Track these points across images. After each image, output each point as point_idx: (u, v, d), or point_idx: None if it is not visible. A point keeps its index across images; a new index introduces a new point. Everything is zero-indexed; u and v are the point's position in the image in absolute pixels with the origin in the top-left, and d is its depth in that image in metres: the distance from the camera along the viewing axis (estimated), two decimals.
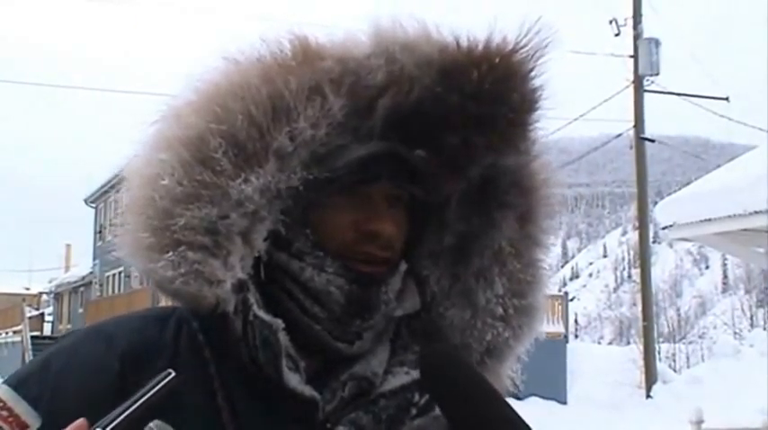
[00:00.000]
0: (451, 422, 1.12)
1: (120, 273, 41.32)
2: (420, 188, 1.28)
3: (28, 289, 62.40)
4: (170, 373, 1.07)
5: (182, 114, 1.19)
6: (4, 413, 1.14)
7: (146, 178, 1.17)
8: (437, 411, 1.22)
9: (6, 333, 41.30)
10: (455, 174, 1.28)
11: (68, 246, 61.01)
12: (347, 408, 1.22)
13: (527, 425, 1.12)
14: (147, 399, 1.05)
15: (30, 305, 49.92)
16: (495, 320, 1.31)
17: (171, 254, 1.13)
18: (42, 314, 49.59)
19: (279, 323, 1.18)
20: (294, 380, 1.18)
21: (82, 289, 48.35)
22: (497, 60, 1.20)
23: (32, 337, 35.85)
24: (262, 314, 1.18)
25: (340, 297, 1.22)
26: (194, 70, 1.23)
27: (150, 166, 1.17)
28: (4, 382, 1.21)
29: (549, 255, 1.38)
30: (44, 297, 60.20)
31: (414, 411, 1.25)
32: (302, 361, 1.20)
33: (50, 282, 57.30)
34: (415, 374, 1.25)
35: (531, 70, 1.22)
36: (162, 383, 1.06)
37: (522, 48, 1.21)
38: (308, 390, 1.19)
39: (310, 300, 1.23)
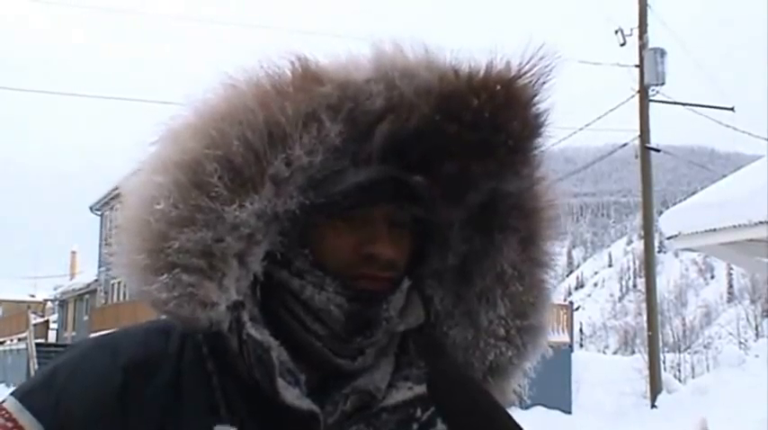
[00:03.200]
0: None
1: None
2: (422, 210, 1.27)
3: (33, 296, 62.49)
4: None
5: (179, 137, 1.19)
6: (9, 424, 1.16)
7: (142, 199, 1.17)
8: (438, 427, 1.24)
9: (11, 340, 41.36)
10: (453, 201, 1.28)
11: (74, 253, 61.01)
12: (348, 422, 1.22)
13: None
14: None
15: (35, 312, 49.97)
16: (497, 340, 1.31)
17: (165, 276, 1.13)
18: (47, 321, 49.54)
19: (271, 341, 1.18)
20: (291, 395, 1.18)
21: (87, 296, 48.31)
22: (498, 88, 1.19)
23: (37, 344, 35.82)
24: (254, 333, 1.18)
25: (340, 315, 1.22)
26: (193, 89, 1.23)
27: (147, 188, 1.17)
28: (11, 394, 1.22)
29: (554, 275, 1.37)
30: (49, 304, 60.24)
31: (415, 426, 1.24)
32: (303, 374, 1.20)
33: (55, 289, 57.31)
34: (419, 389, 1.25)
35: (534, 96, 1.21)
36: None
37: (524, 74, 1.20)
38: (306, 404, 1.18)
39: (311, 318, 1.23)
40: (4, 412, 1.18)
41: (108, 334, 1.32)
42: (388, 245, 1.24)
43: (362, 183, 1.22)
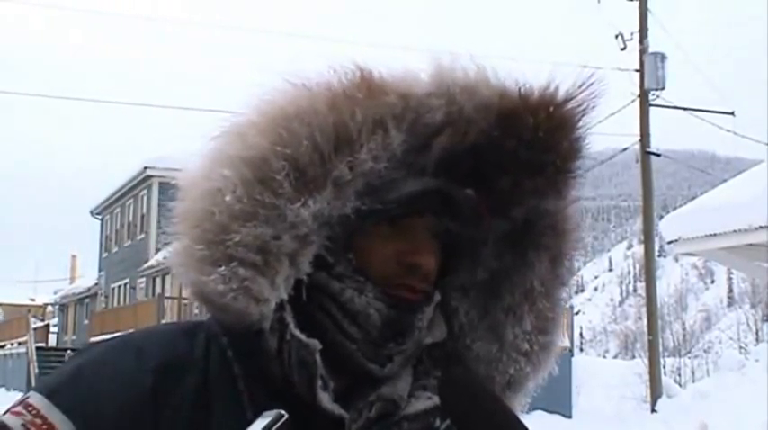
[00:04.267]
0: None
1: (125, 284, 41.32)
2: (460, 224, 1.30)
3: (33, 300, 62.53)
4: (283, 415, 1.07)
5: (245, 134, 1.20)
6: (38, 421, 1.14)
7: (205, 192, 1.19)
8: None
9: (12, 344, 41.33)
10: (499, 215, 1.31)
11: (74, 257, 61.02)
12: (372, 428, 1.23)
13: None
14: None
15: (35, 316, 50.01)
16: (519, 355, 1.34)
17: (223, 268, 1.15)
18: (48, 325, 49.45)
19: (316, 344, 1.19)
20: (325, 399, 1.19)
21: (87, 300, 48.31)
22: (552, 109, 1.23)
23: (38, 348, 35.82)
24: (299, 334, 1.19)
25: (378, 320, 1.24)
26: (253, 90, 1.25)
27: (210, 181, 1.19)
28: (33, 390, 1.20)
29: (569, 292, 1.41)
30: (49, 308, 60.26)
31: None
32: (331, 380, 1.21)
33: (56, 293, 57.28)
34: (437, 399, 1.26)
35: (581, 119, 1.26)
36: (278, 425, 1.06)
37: (574, 97, 1.25)
38: (336, 409, 1.20)
39: (348, 320, 1.24)
40: (32, 409, 1.17)
41: (130, 334, 1.32)
42: (430, 255, 1.27)
43: (416, 193, 1.24)
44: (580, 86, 1.26)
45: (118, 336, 1.32)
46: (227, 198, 1.16)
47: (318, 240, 1.21)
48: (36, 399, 1.18)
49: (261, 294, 1.15)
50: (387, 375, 1.26)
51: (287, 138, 1.18)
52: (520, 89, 1.24)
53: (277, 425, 1.06)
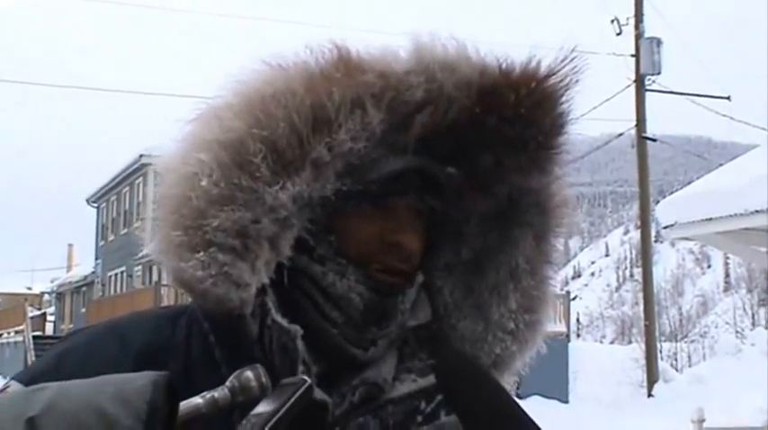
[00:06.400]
0: (467, 426, 1.14)
1: (122, 272, 41.38)
2: (442, 203, 1.28)
3: (30, 289, 62.50)
4: (306, 381, 1.05)
5: (222, 116, 1.19)
6: None
7: (182, 176, 1.17)
8: (442, 419, 1.24)
9: (8, 333, 41.31)
10: (482, 193, 1.30)
11: (70, 245, 60.99)
12: (355, 413, 1.22)
13: (537, 427, 1.14)
14: (288, 410, 1.02)
15: (32, 305, 49.92)
16: (505, 334, 1.33)
17: (202, 254, 1.14)
18: (44, 314, 49.61)
19: (297, 329, 1.19)
20: None
21: (84, 289, 48.39)
22: (534, 85, 1.22)
23: (34, 337, 35.84)
24: (280, 319, 1.18)
25: (360, 303, 1.23)
26: (231, 72, 1.23)
27: (187, 165, 1.17)
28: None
29: (557, 271, 1.40)
30: (46, 297, 60.34)
31: (420, 418, 1.25)
32: (314, 365, 1.21)
33: (52, 281, 57.39)
34: (423, 382, 1.26)
35: (563, 95, 1.24)
36: (300, 392, 1.04)
37: (556, 73, 1.23)
38: (319, 394, 1.18)
39: (330, 304, 1.23)
40: None
41: (115, 320, 1.32)
42: (412, 235, 1.26)
43: (397, 172, 1.23)
44: (562, 61, 1.24)
45: (101, 323, 1.31)
46: (204, 182, 1.15)
47: (299, 223, 1.19)
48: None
49: (241, 279, 1.14)
50: (370, 359, 1.25)
51: (264, 121, 1.16)
52: (501, 65, 1.23)
53: (300, 392, 1.04)
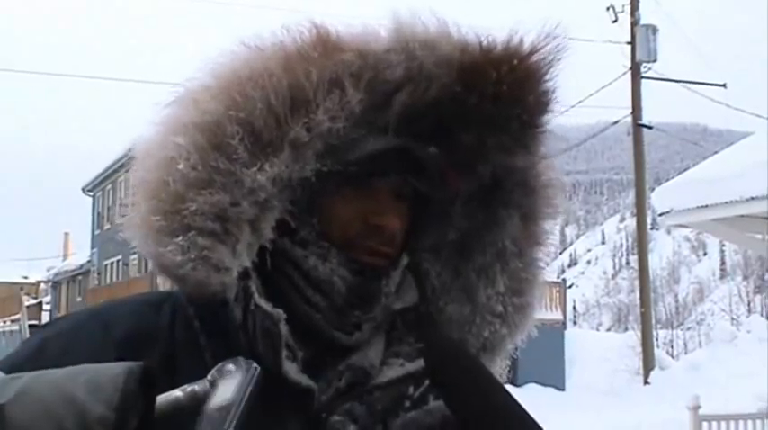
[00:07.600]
0: (454, 411, 1.13)
1: (118, 261, 41.33)
2: (426, 183, 1.27)
3: (26, 278, 62.41)
4: (256, 368, 1.02)
5: (199, 99, 1.18)
6: None
7: (159, 161, 1.16)
8: (430, 404, 1.24)
9: (4, 322, 41.40)
10: (465, 173, 1.28)
11: (66, 234, 61.00)
12: (342, 399, 1.21)
13: (529, 415, 1.13)
14: (246, 402, 0.99)
15: (28, 294, 50.04)
16: (493, 317, 1.32)
17: (180, 238, 1.12)
18: (40, 303, 49.57)
19: (280, 313, 1.18)
20: (292, 370, 1.18)
21: (80, 277, 48.37)
22: (516, 62, 1.20)
23: (30, 326, 35.93)
24: (263, 304, 1.17)
25: (342, 287, 1.22)
26: (209, 54, 1.22)
27: (164, 149, 1.16)
28: None
29: (547, 253, 1.38)
30: (42, 286, 60.19)
31: (407, 403, 1.25)
32: (300, 350, 1.20)
33: (49, 270, 57.30)
34: (410, 367, 1.25)
35: (547, 72, 1.22)
36: (254, 379, 1.01)
37: (539, 50, 1.21)
38: (304, 380, 1.18)
39: (312, 289, 1.22)
40: None
41: (98, 306, 1.30)
42: (394, 217, 1.25)
43: (378, 152, 1.22)
44: (545, 39, 1.22)
45: (84, 310, 1.30)
46: (181, 166, 1.13)
47: (280, 205, 1.18)
48: None
49: (221, 262, 1.13)
50: (356, 343, 1.24)
51: (240, 102, 1.15)
52: (482, 43, 1.21)
53: (255, 379, 1.00)
